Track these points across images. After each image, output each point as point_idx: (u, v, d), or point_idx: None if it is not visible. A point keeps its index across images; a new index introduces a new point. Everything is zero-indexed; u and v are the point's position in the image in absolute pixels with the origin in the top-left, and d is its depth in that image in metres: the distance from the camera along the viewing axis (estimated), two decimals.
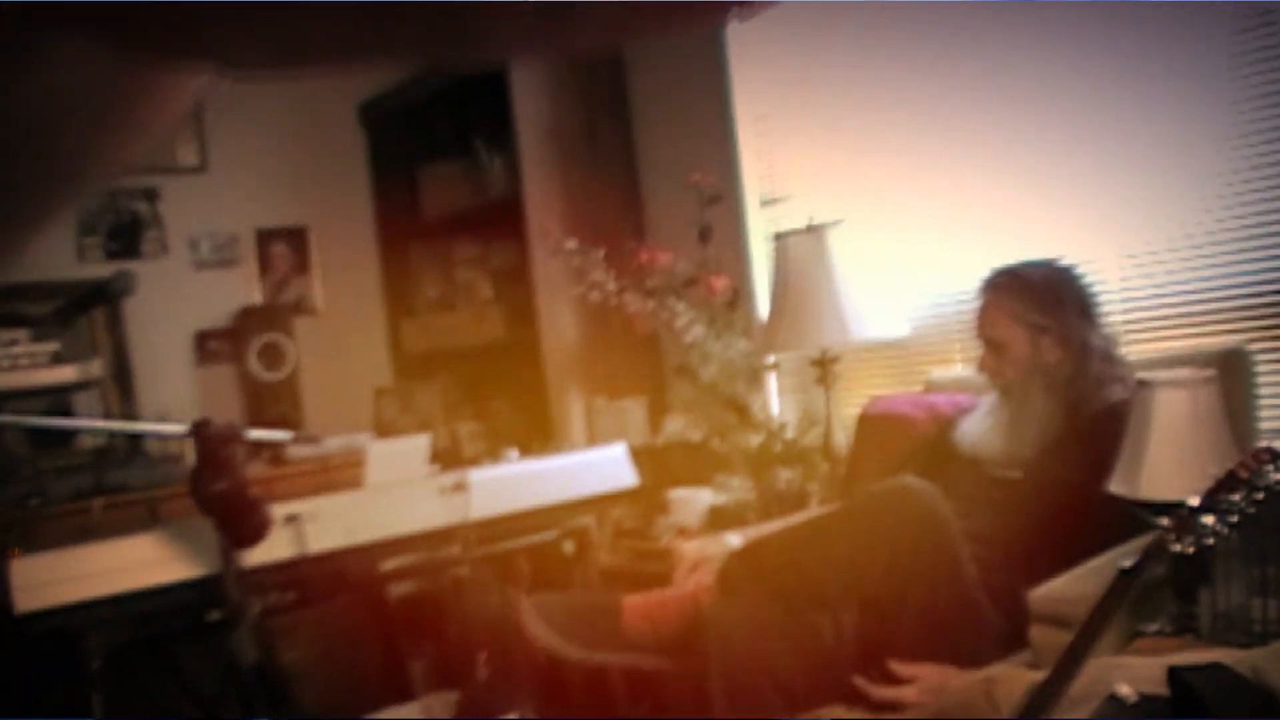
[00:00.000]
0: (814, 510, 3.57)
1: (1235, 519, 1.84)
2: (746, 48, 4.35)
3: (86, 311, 4.42)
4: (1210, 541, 1.85)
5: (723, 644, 2.69)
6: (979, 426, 3.08)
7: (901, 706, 2.33)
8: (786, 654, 2.67)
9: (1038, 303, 2.95)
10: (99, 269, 4.63)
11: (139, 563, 2.74)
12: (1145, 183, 3.26)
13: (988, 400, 3.09)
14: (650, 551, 3.72)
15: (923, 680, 2.37)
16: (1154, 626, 2.26)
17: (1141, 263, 3.27)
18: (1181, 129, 3.17)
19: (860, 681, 2.38)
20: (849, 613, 2.66)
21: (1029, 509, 2.80)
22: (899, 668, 2.45)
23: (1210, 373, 2.46)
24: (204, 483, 2.49)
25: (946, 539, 2.66)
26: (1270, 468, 1.85)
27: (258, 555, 2.62)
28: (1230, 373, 2.76)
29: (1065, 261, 3.05)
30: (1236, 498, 1.83)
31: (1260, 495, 1.83)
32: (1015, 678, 1.94)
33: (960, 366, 3.71)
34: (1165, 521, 1.88)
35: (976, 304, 3.06)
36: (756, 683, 2.65)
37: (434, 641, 3.40)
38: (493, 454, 4.29)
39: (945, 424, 3.26)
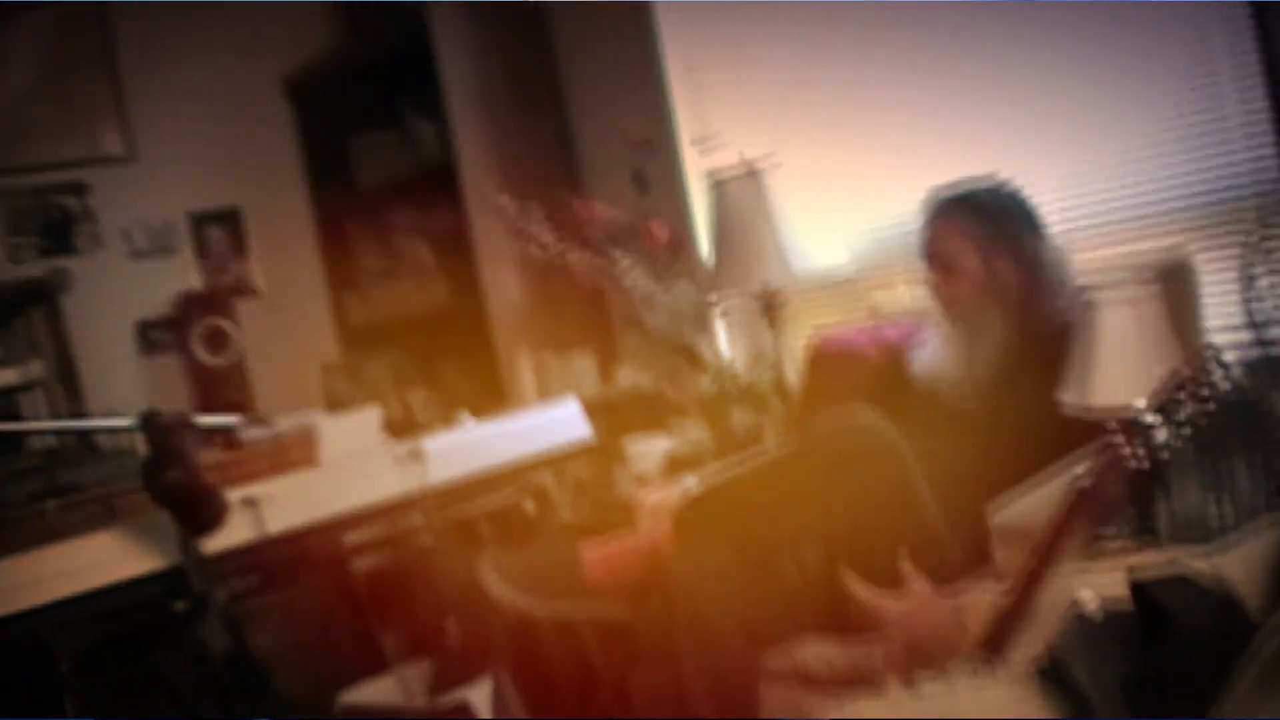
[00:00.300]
0: (769, 449, 3.57)
1: (1189, 430, 1.85)
2: None
3: (23, 312, 4.36)
4: (1163, 451, 1.86)
5: (684, 589, 2.70)
6: (934, 356, 3.06)
7: (881, 622, 2.32)
8: (749, 596, 2.68)
9: (988, 221, 2.93)
10: (32, 268, 4.58)
11: (99, 561, 2.72)
12: (1078, 95, 3.25)
13: (939, 328, 3.07)
14: (611, 503, 3.71)
15: (897, 599, 2.37)
16: (1113, 532, 2.27)
17: (1079, 175, 3.27)
18: (1112, 37, 3.16)
19: (851, 580, 2.36)
20: (810, 551, 2.67)
21: (989, 436, 2.80)
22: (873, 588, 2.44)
23: (1154, 284, 2.47)
24: (157, 474, 2.47)
25: (902, 470, 2.66)
26: (1214, 365, 1.87)
27: (218, 542, 2.60)
28: (1173, 281, 2.77)
29: (1004, 179, 3.04)
30: (1184, 398, 1.85)
31: (1208, 401, 1.84)
32: (982, 601, 1.96)
33: (905, 293, 3.70)
34: (1119, 436, 1.89)
35: (923, 227, 3.03)
36: (720, 626, 2.66)
37: (403, 613, 3.40)
38: (446, 420, 4.27)
39: (896, 354, 3.25)
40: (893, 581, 2.28)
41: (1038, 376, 2.71)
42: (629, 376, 4.21)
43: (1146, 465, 1.85)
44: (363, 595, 3.37)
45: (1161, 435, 1.86)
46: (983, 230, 2.92)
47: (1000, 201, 2.97)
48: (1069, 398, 2.49)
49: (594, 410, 3.61)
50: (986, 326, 2.93)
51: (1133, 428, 1.88)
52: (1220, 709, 1.41)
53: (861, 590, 2.31)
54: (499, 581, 2.90)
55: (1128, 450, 1.86)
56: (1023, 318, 2.91)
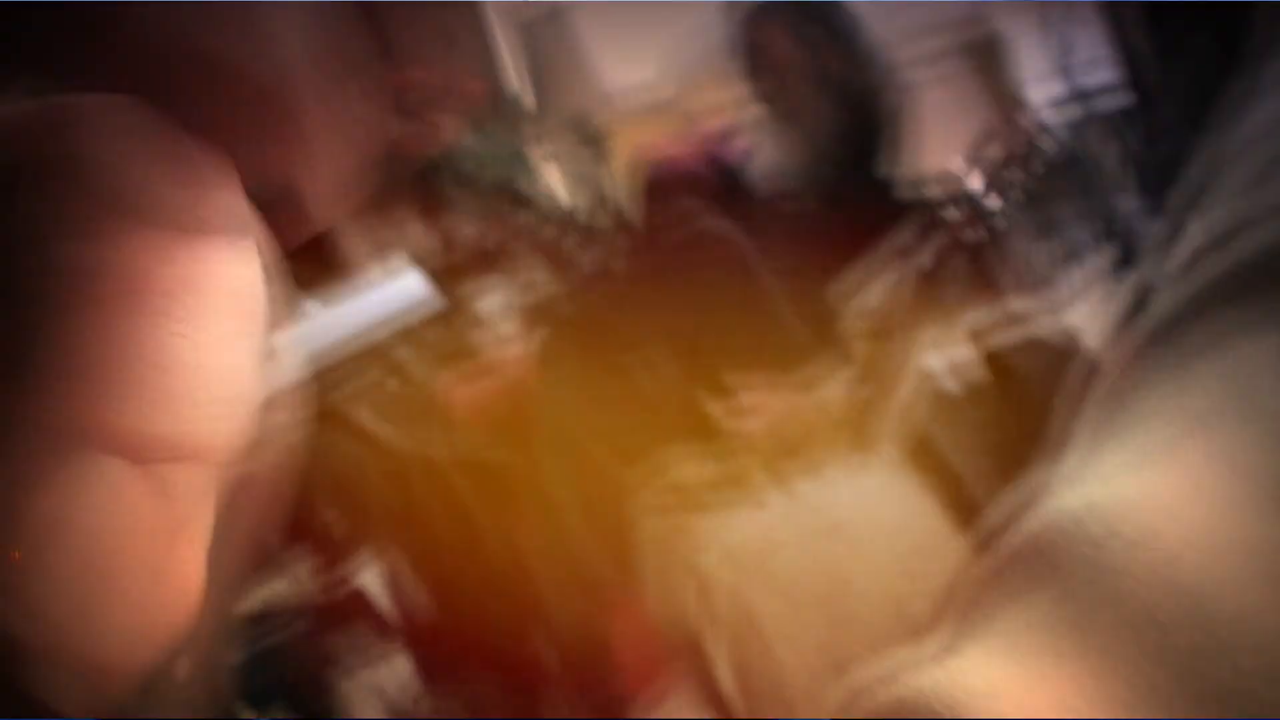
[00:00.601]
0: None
1: (1019, 195, 1.87)
2: None
3: None
4: (1001, 224, 1.88)
5: (552, 414, 2.71)
6: (766, 160, 3.05)
7: (741, 419, 2.34)
8: (612, 413, 2.69)
9: (812, 13, 2.92)
10: None
11: None
12: None
13: (767, 134, 3.06)
14: (475, 367, 3.69)
15: (758, 396, 2.38)
16: (960, 306, 2.30)
17: None
18: None
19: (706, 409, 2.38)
20: (660, 354, 2.68)
21: (826, 221, 2.81)
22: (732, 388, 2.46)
23: (969, 59, 2.48)
24: None
25: (743, 261, 2.67)
26: (1030, 124, 1.89)
27: None
28: (987, 53, 2.78)
29: None
30: (1010, 165, 1.87)
31: (1033, 162, 1.86)
32: (844, 393, 1.98)
33: (722, 97, 3.65)
34: (953, 214, 1.90)
35: (744, 27, 3.00)
36: (591, 449, 2.68)
37: (280, 509, 3.36)
38: (290, 309, 4.18)
39: (730, 169, 3.24)
40: (745, 377, 2.30)
41: (867, 160, 2.73)
42: (468, 234, 4.15)
43: (984, 236, 1.87)
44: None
45: (994, 204, 1.88)
46: (806, 22, 2.91)
47: None
48: (887, 168, 2.52)
49: (431, 269, 3.56)
50: (822, 120, 2.92)
51: (966, 203, 1.90)
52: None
53: (715, 393, 2.33)
54: (370, 420, 2.88)
55: (965, 226, 1.88)
56: (851, 105, 2.91)
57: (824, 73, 2.91)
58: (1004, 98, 2.77)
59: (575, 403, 2.71)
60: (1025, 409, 1.59)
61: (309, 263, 3.43)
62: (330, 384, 3.24)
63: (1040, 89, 2.96)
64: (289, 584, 3.28)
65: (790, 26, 2.89)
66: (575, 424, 2.70)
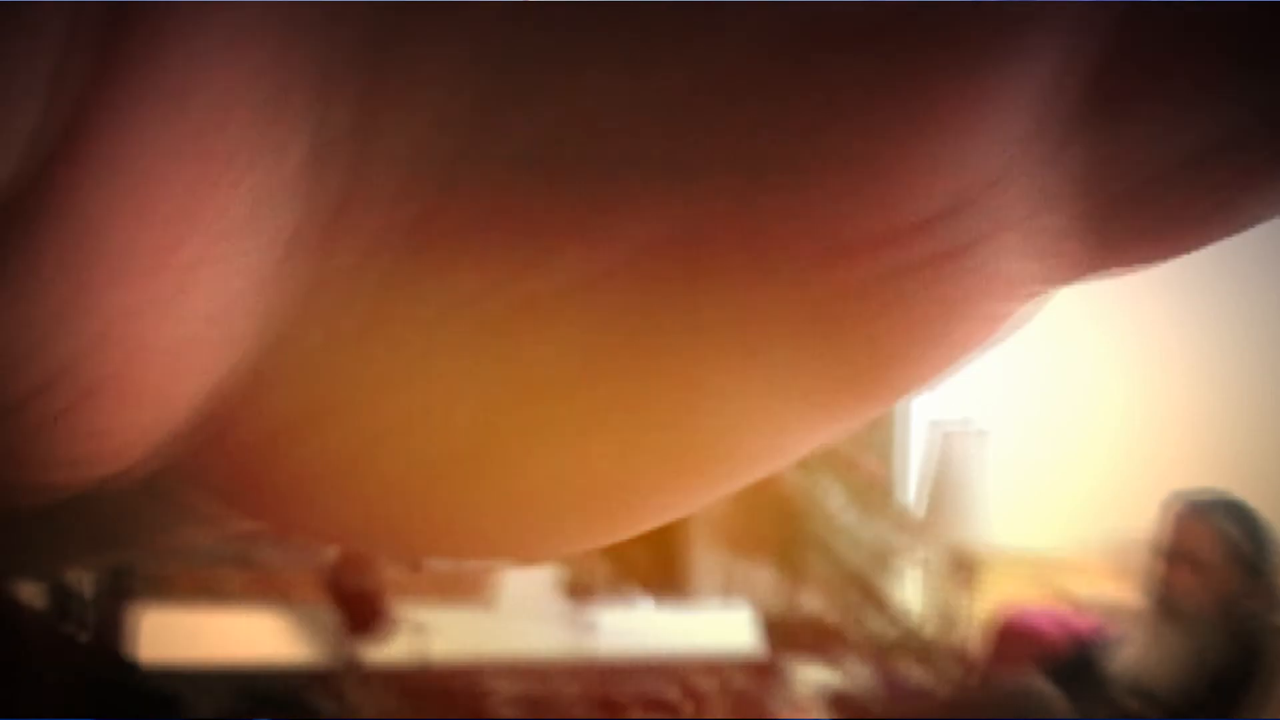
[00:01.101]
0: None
1: None
2: None
3: None
4: None
5: None
6: (1143, 654, 2.98)
7: None
8: None
9: (1256, 540, 2.90)
10: None
11: (261, 635, 2.79)
12: None
13: (1147, 627, 3.00)
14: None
15: None
16: None
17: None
18: None
19: None
20: None
21: None
22: None
23: None
24: (342, 573, 2.56)
25: None
26: None
27: (379, 655, 2.66)
28: None
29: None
30: None
31: None
32: None
33: (1100, 584, 3.61)
34: None
35: (1183, 520, 2.99)
36: None
37: None
38: (621, 593, 4.27)
39: (1082, 644, 3.18)
40: None
41: (1227, 703, 2.63)
42: (809, 600, 4.18)
43: None
44: None
45: None
46: (1247, 543, 2.89)
47: (1261, 521, 2.93)
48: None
49: (767, 625, 3.59)
50: (1213, 641, 2.85)
51: None
52: None
53: None
54: None
55: None
56: (1243, 643, 2.84)
57: (1235, 597, 2.85)
58: None
59: None
60: None
61: (656, 563, 3.52)
62: (622, 684, 3.28)
63: None
64: None
65: (1228, 538, 2.86)
66: None
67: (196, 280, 0.71)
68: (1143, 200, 0.88)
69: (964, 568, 3.65)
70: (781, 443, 1.11)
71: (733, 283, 0.87)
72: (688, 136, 0.77)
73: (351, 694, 2.64)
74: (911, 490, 4.21)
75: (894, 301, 0.89)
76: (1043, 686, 2.69)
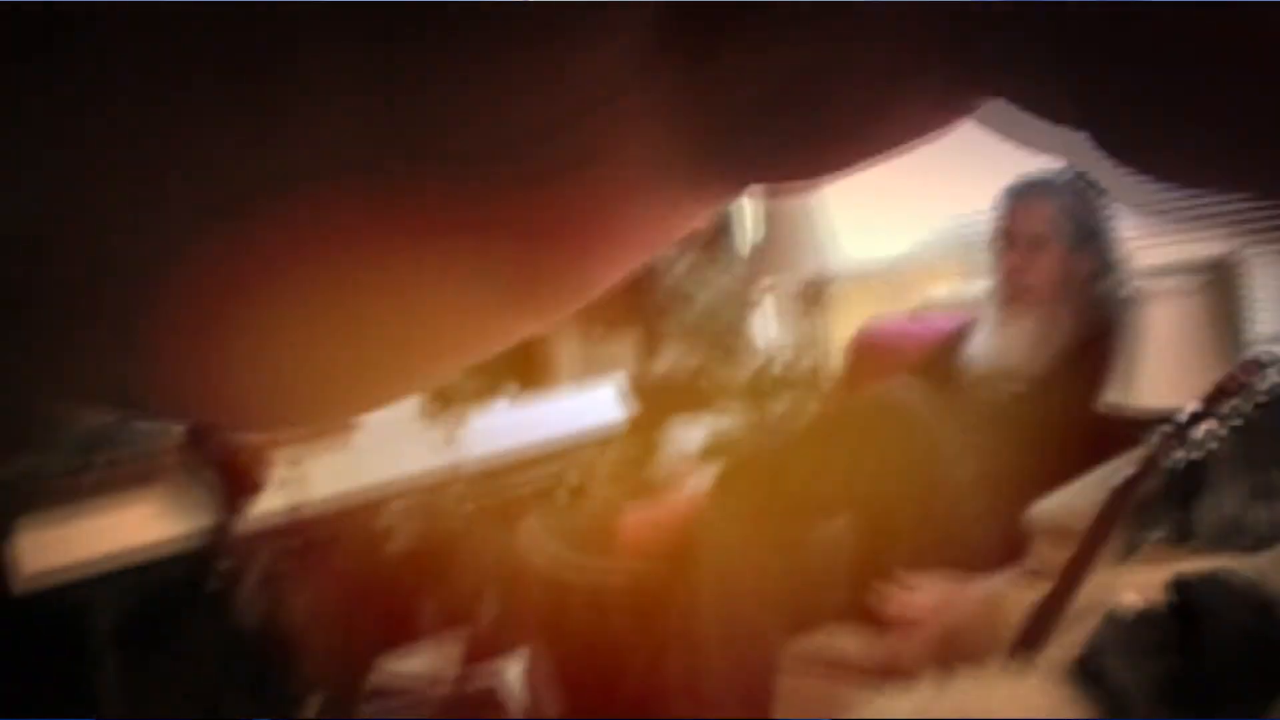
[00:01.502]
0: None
1: (1232, 424, 1.83)
2: None
3: None
4: (1205, 452, 1.84)
5: (714, 559, 2.70)
6: (992, 339, 3.01)
7: (908, 621, 2.30)
8: (779, 569, 2.67)
9: (1084, 210, 2.92)
10: None
11: (137, 524, 2.73)
12: None
13: (994, 313, 3.03)
14: (650, 484, 3.71)
15: (930, 590, 2.34)
16: (1155, 535, 2.24)
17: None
18: None
19: (871, 596, 2.35)
20: (838, 528, 2.66)
21: (1032, 431, 2.76)
22: (904, 577, 2.42)
23: (1200, 280, 2.44)
24: (202, 439, 2.49)
25: (932, 448, 2.63)
26: (1258, 378, 1.84)
27: (257, 508, 2.61)
28: (1221, 280, 2.73)
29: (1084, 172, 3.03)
30: (1231, 406, 1.82)
31: (1254, 405, 1.82)
32: (1018, 597, 1.94)
33: (958, 286, 3.66)
34: (1165, 429, 1.87)
35: (1011, 206, 2.99)
36: (748, 601, 2.65)
37: (439, 586, 3.41)
38: (486, 394, 4.26)
39: (944, 342, 3.22)
40: (917, 564, 2.26)
41: (1088, 372, 2.69)
42: (670, 359, 4.20)
43: (1185, 464, 1.83)
44: (399, 568, 3.38)
45: (1201, 433, 1.83)
46: (1074, 216, 2.91)
47: (1089, 192, 2.95)
48: (1114, 396, 2.47)
49: (634, 391, 3.60)
50: (1054, 315, 2.90)
51: (1174, 426, 1.86)
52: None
53: (885, 606, 2.29)
54: (539, 533, 2.90)
55: (1169, 448, 1.84)
56: (1088, 310, 2.89)
57: (1072, 266, 2.89)
58: (1234, 328, 2.71)
59: (741, 547, 2.69)
60: (1202, 647, 1.54)
61: (517, 359, 3.51)
62: (508, 484, 3.28)
63: (1275, 319, 2.90)
64: (432, 655, 3.31)
65: (1056, 211, 2.88)
66: (738, 568, 2.68)
67: None
68: (758, 120, 1.06)
69: (813, 296, 3.67)
70: (486, 336, 1.36)
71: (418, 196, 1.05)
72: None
73: (241, 558, 2.60)
74: (751, 227, 4.21)
75: (537, 207, 1.07)
76: (901, 390, 2.73)
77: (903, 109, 1.18)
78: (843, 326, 3.83)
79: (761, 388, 3.87)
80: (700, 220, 1.27)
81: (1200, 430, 1.83)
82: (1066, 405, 2.74)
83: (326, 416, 2.16)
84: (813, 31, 1.01)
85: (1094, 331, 2.84)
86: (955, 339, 3.14)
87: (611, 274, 1.28)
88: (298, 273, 1.07)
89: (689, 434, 3.85)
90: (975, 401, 2.92)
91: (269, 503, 2.69)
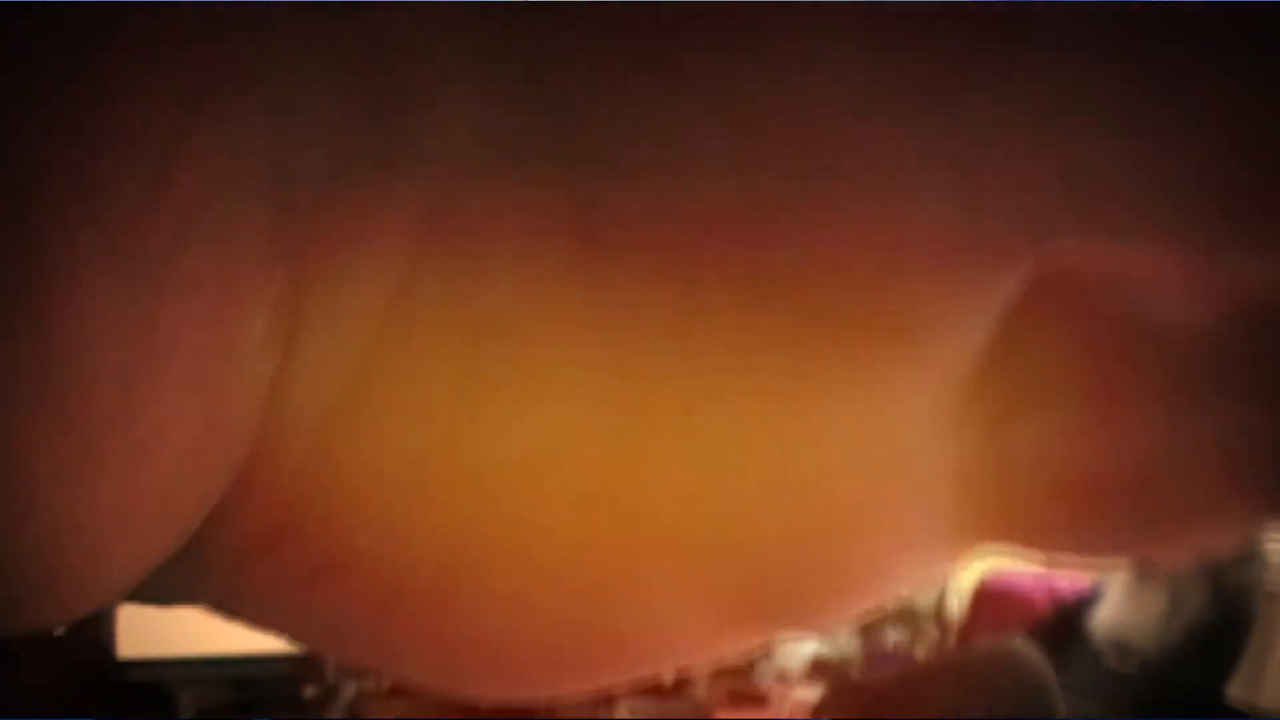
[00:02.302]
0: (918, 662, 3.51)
1: None
2: None
3: None
4: None
5: None
6: (1118, 611, 2.96)
7: None
8: None
9: None
10: None
11: (241, 628, 2.77)
12: None
13: (1124, 585, 2.98)
14: (747, 693, 3.67)
15: None
16: None
17: None
18: None
19: None
20: None
21: (1145, 705, 2.70)
22: None
23: None
24: None
25: (1048, 708, 2.57)
26: None
27: None
28: None
29: None
30: None
31: None
32: None
33: None
34: None
35: None
36: None
37: None
38: None
39: (1066, 605, 3.18)
40: None
41: (1212, 659, 2.63)
42: None
43: None
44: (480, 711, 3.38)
45: None
46: None
47: None
48: (1237, 691, 2.41)
49: None
50: (1188, 595, 2.84)
51: None
52: None
53: None
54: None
55: None
56: (1222, 596, 2.82)
57: (1214, 549, 2.83)
58: None
59: None
60: None
61: None
62: None
63: None
64: None
65: None
66: None
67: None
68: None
69: None
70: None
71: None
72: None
73: (337, 678, 2.62)
74: None
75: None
76: (1023, 646, 2.69)
77: None
78: (969, 568, 3.79)
79: (877, 617, 3.83)
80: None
81: None
82: (1187, 689, 2.67)
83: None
84: None
85: (1226, 617, 2.78)
86: (1082, 603, 3.10)
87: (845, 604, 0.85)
88: None
89: (797, 648, 3.81)
90: (1095, 672, 2.87)
91: None
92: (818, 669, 3.71)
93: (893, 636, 3.76)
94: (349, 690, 2.63)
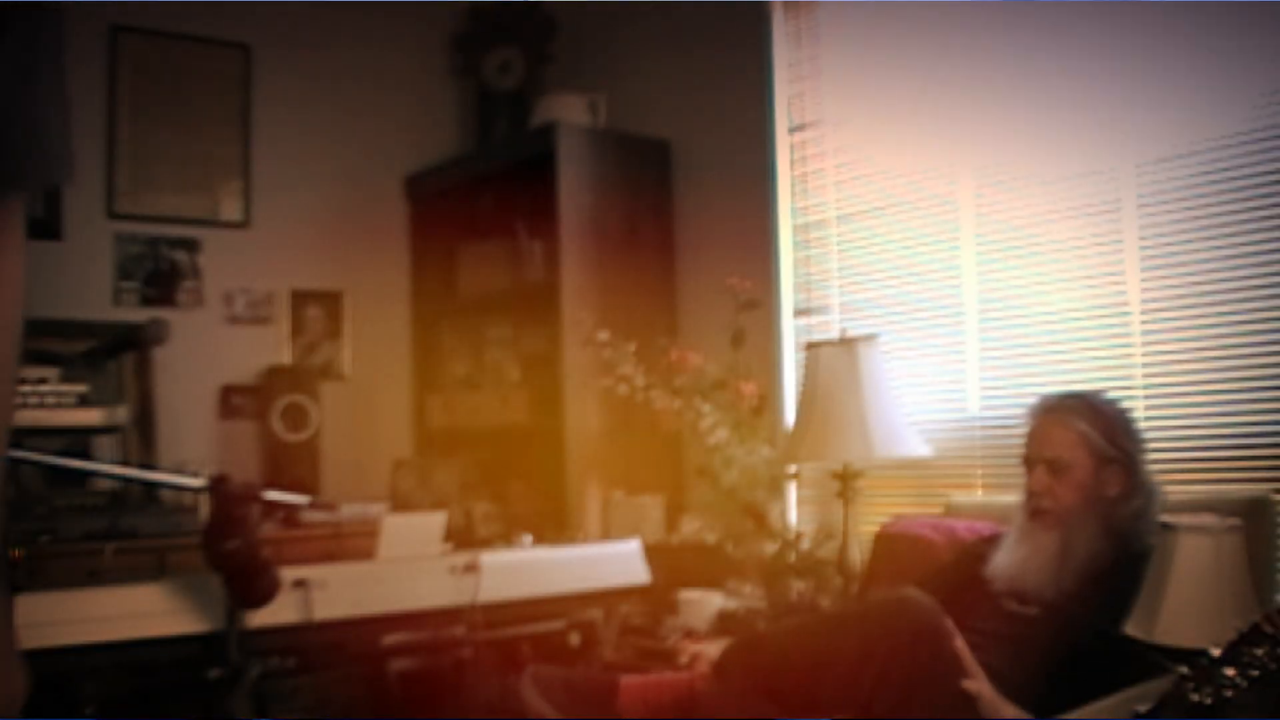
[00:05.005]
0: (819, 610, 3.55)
1: (1258, 673, 1.81)
2: (797, 152, 4.38)
3: (117, 356, 4.42)
4: (1230, 694, 1.82)
5: None
6: (1013, 555, 2.99)
7: None
8: None
9: (1110, 431, 2.91)
10: (133, 314, 4.65)
11: (144, 613, 2.73)
12: (1174, 320, 3.27)
13: (1018, 528, 3.02)
14: (655, 650, 3.68)
15: None
16: None
17: (1168, 401, 3.26)
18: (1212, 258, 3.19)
19: None
20: (831, 708, 2.62)
21: (1046, 646, 2.74)
22: None
23: (1234, 520, 2.43)
24: (217, 539, 2.49)
25: (944, 654, 2.60)
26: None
27: (262, 617, 2.60)
28: (1254, 520, 2.73)
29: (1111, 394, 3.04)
30: (1260, 652, 1.81)
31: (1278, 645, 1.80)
32: None
33: (980, 492, 3.69)
34: (1185, 670, 1.85)
35: (1037, 423, 3.00)
36: None
37: (434, 710, 3.38)
38: (506, 538, 4.27)
39: (964, 550, 3.22)
40: None
41: (1111, 596, 2.67)
42: (694, 527, 4.20)
43: (1209, 702, 1.81)
44: (394, 695, 3.36)
45: (1228, 673, 1.81)
46: (1102, 437, 2.90)
47: (1123, 415, 2.95)
48: (1134, 630, 2.45)
49: (653, 554, 3.60)
50: (1081, 534, 2.88)
51: (1194, 668, 1.84)
52: None
53: None
54: (533, 691, 2.87)
55: (1193, 687, 1.82)
56: (1115, 533, 2.87)
57: (1104, 494, 2.88)
58: (1264, 571, 2.70)
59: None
60: None
61: (541, 503, 3.48)
62: (517, 617, 3.27)
63: None
64: None
65: (1090, 437, 2.87)
66: None
67: None
68: None
69: (843, 484, 3.67)
70: None
71: None
72: None
73: (242, 659, 2.58)
74: (789, 410, 4.25)
75: None
76: (917, 593, 2.71)
77: None
78: (865, 518, 3.83)
79: (782, 566, 3.86)
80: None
81: (1226, 674, 1.81)
82: (1081, 630, 2.72)
83: None
84: None
85: (1115, 556, 2.83)
86: (981, 549, 3.14)
87: None
88: None
89: (703, 603, 3.83)
90: (997, 615, 2.90)
91: (278, 612, 2.68)
92: (724, 623, 3.73)
93: (797, 587, 3.79)
94: (254, 670, 2.60)
